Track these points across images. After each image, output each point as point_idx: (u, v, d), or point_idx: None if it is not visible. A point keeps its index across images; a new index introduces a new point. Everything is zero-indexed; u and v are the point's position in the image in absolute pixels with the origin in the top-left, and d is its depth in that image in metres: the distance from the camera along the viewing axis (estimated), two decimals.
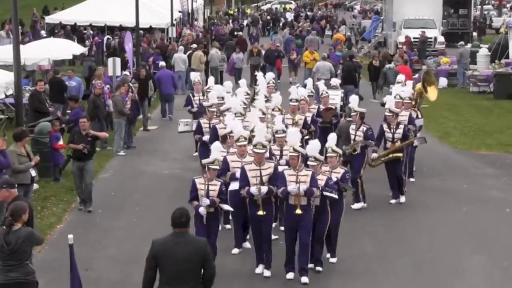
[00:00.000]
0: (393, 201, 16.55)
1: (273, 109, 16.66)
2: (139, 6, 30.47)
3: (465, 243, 14.31)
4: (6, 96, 19.62)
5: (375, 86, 29.23)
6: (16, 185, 11.03)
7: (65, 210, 16.05)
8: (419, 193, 17.41)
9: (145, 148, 22.06)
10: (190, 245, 8.40)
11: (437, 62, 34.83)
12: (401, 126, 16.41)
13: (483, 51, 34.62)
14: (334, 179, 12.53)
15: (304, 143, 14.07)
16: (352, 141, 15.91)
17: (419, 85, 18.99)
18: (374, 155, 16.44)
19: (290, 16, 67.15)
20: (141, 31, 34.97)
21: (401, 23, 43.27)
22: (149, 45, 36.67)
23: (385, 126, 16.51)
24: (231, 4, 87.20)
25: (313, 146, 12.33)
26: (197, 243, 8.51)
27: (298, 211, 11.85)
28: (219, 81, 29.79)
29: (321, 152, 12.59)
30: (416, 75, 27.82)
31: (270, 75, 20.49)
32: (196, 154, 20.23)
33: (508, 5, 73.40)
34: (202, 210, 12.06)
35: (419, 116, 18.14)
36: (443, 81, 33.14)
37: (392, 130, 16.40)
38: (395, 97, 17.28)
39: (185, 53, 32.88)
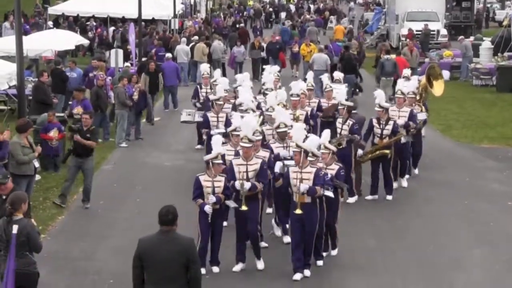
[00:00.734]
0: (369, 197, 16.22)
1: (277, 105, 16.39)
2: None
3: (467, 236, 14.32)
4: (9, 87, 19.61)
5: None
6: (9, 178, 11.06)
7: (67, 201, 16.05)
8: (421, 186, 17.41)
9: (147, 140, 22.07)
10: (174, 244, 8.21)
11: (440, 55, 34.77)
12: (391, 122, 16.10)
13: (486, 44, 34.55)
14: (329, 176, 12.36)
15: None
16: (338, 135, 15.53)
17: (423, 80, 18.73)
18: (360, 151, 16.13)
19: (293, 8, 67.03)
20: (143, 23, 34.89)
21: (403, 15, 43.18)
22: (152, 37, 36.64)
23: (374, 121, 16.20)
24: None
25: (311, 142, 12.17)
26: (182, 243, 8.29)
27: (298, 211, 11.69)
28: (222, 73, 29.91)
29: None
30: (419, 69, 27.83)
31: (275, 68, 20.31)
32: (199, 147, 20.27)
33: None
34: (208, 208, 11.88)
35: (423, 110, 17.98)
36: (445, 74, 33.01)
37: (381, 126, 16.10)
38: (396, 92, 17.20)
39: (187, 45, 32.88)
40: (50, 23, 41.74)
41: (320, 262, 12.48)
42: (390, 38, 44.87)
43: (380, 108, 16.07)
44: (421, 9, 43.03)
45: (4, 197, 10.55)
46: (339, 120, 15.94)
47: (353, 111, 16.88)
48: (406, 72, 19.64)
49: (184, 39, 33.69)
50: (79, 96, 19.53)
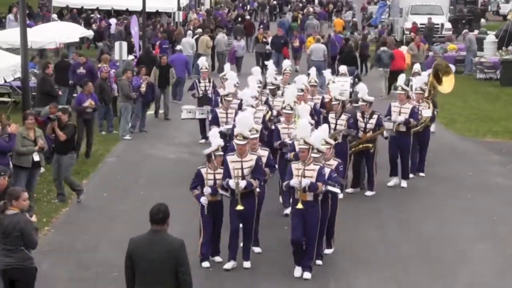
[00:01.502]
0: (350, 190, 16.07)
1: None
2: None
3: (470, 230, 14.32)
4: (13, 79, 19.62)
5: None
6: (2, 175, 11.02)
7: (71, 194, 16.06)
8: (424, 179, 17.41)
9: (151, 132, 22.08)
10: (163, 245, 8.04)
11: (444, 49, 34.72)
12: (375, 116, 15.96)
13: (490, 38, 34.50)
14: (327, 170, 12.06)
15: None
16: (332, 130, 15.24)
17: (431, 77, 18.34)
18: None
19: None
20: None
21: (408, 9, 43.09)
22: (156, 30, 36.63)
23: (358, 115, 16.06)
24: None
25: (316, 138, 12.04)
26: (172, 244, 8.08)
27: (299, 206, 11.55)
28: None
29: None
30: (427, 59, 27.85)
31: (287, 62, 20.08)
32: (203, 141, 20.21)
33: None
34: (204, 200, 11.99)
35: (431, 107, 17.61)
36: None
37: (365, 120, 15.98)
38: (396, 88, 17.07)
39: (192, 37, 32.89)
40: (54, 15, 41.74)
41: (319, 262, 12.27)
42: (394, 32, 44.79)
43: (364, 102, 15.86)
44: (425, 2, 42.94)
45: None
46: (332, 115, 15.68)
47: (355, 104, 16.88)
48: (417, 67, 19.41)
49: (189, 32, 33.68)
50: (90, 89, 19.51)
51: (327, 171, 11.96)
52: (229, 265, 12.09)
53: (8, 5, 43.90)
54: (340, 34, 37.11)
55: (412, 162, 17.15)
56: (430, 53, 31.17)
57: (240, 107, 16.09)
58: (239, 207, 11.82)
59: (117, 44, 26.57)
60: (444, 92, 18.53)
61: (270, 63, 19.49)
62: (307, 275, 11.76)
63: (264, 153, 12.69)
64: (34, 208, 14.49)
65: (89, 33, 32.93)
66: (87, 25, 39.08)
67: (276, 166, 13.67)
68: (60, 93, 21.65)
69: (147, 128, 22.26)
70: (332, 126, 15.53)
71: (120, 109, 21.64)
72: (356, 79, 28.43)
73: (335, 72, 28.85)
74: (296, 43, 34.11)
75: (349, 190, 16.13)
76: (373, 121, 15.95)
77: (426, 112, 17.33)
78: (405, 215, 15.15)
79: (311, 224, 11.69)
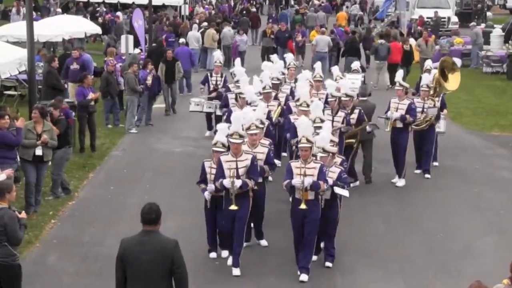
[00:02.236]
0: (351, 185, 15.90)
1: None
2: None
3: (477, 224, 14.31)
4: (19, 73, 19.63)
5: (405, 71, 28.83)
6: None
7: (77, 187, 16.11)
8: (431, 172, 17.35)
9: (157, 126, 22.09)
10: (156, 246, 7.82)
11: (451, 42, 34.62)
12: (356, 111, 15.67)
13: (497, 31, 34.41)
14: (330, 181, 11.67)
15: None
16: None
17: (437, 74, 17.84)
18: None
19: None
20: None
21: (414, 2, 43.04)
22: (162, 23, 36.62)
23: (328, 112, 15.44)
24: None
25: (323, 137, 11.83)
26: (165, 244, 7.87)
27: (303, 206, 11.29)
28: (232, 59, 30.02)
29: None
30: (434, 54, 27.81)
31: (290, 56, 19.93)
32: (208, 134, 20.20)
33: None
34: (207, 194, 12.03)
35: (436, 105, 17.11)
36: (456, 62, 32.91)
37: (333, 115, 15.30)
38: (395, 84, 16.83)
39: (198, 31, 32.85)
40: (58, 10, 41.76)
41: (329, 264, 12.03)
42: (400, 25, 44.68)
43: (333, 97, 15.46)
44: None
45: None
46: (328, 111, 15.17)
47: (362, 98, 16.81)
48: (429, 63, 19.16)
49: (195, 26, 33.63)
50: (90, 81, 19.55)
51: (336, 171, 11.78)
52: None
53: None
54: (340, 27, 37.30)
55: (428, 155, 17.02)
56: (437, 47, 31.10)
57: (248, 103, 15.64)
58: (233, 207, 11.45)
59: (123, 37, 26.57)
60: (450, 90, 18.08)
61: (275, 57, 19.40)
62: (304, 277, 11.47)
63: (263, 149, 12.44)
64: (41, 202, 14.59)
65: (96, 30, 32.82)
66: (93, 19, 39.07)
67: (279, 163, 13.48)
68: (66, 86, 21.67)
69: (153, 121, 22.26)
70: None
71: (127, 102, 21.65)
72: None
73: (337, 63, 29.67)
74: (299, 38, 33.90)
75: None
76: (354, 116, 15.58)
77: (432, 110, 16.93)
78: (410, 208, 15.14)
79: (311, 223, 11.42)
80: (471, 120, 23.22)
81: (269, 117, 15.10)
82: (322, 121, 13.24)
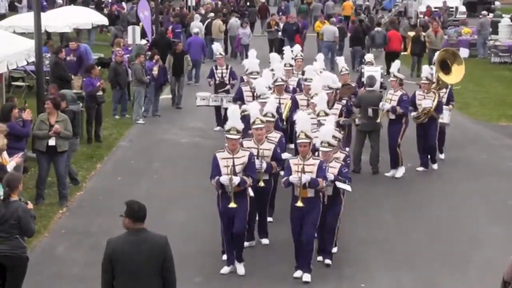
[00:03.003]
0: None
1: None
2: None
3: (484, 214, 14.31)
4: (27, 64, 19.67)
5: (415, 61, 28.86)
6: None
7: (85, 178, 16.17)
8: (438, 163, 17.35)
9: (165, 117, 22.13)
10: (150, 243, 7.66)
11: (458, 32, 34.55)
12: (342, 102, 15.59)
13: (505, 21, 34.29)
14: (331, 176, 11.31)
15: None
16: None
17: (436, 67, 17.24)
18: None
19: None
20: None
21: None
22: (168, 14, 36.60)
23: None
24: None
25: (326, 131, 11.42)
26: (157, 240, 7.71)
27: (299, 204, 10.89)
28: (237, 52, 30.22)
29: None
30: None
31: (297, 48, 19.74)
32: (218, 128, 20.08)
33: None
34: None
35: (436, 98, 16.60)
36: (464, 52, 32.90)
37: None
38: (383, 74, 16.66)
39: (203, 21, 32.82)
40: (60, 1, 41.73)
41: (328, 261, 11.73)
42: (408, 15, 44.60)
43: (330, 89, 15.16)
44: None
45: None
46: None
47: (369, 89, 16.78)
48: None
49: (197, 16, 33.57)
50: (97, 72, 19.60)
51: (337, 166, 11.40)
52: (225, 269, 11.43)
53: None
54: (340, 15, 38.43)
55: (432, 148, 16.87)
56: (445, 37, 31.06)
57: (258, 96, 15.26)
58: (232, 205, 11.03)
59: (130, 28, 26.57)
60: (451, 83, 17.43)
61: (287, 49, 19.25)
62: (307, 276, 11.16)
63: (270, 146, 12.06)
64: (67, 197, 14.61)
65: (103, 21, 32.79)
66: (99, 9, 39.05)
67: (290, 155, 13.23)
68: (73, 77, 21.69)
69: (160, 112, 22.30)
70: None
71: (134, 93, 21.69)
72: (364, 60, 28.82)
73: (341, 50, 30.68)
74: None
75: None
76: (338, 106, 15.30)
77: (426, 102, 16.59)
78: (418, 199, 15.15)
79: (311, 222, 11.04)
80: (478, 111, 23.18)
81: (278, 112, 14.87)
82: (326, 114, 13.00)
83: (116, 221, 13.45)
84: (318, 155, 11.48)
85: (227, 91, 20.08)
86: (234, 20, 33.98)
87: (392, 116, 16.30)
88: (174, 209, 14.19)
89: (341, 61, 18.06)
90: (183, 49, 24.16)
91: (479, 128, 21.22)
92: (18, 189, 9.59)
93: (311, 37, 34.22)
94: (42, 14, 18.94)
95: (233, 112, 11.43)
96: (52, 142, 14.14)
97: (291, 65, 18.14)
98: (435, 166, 17.04)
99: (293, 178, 10.89)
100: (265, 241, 12.58)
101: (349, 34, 32.34)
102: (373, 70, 17.79)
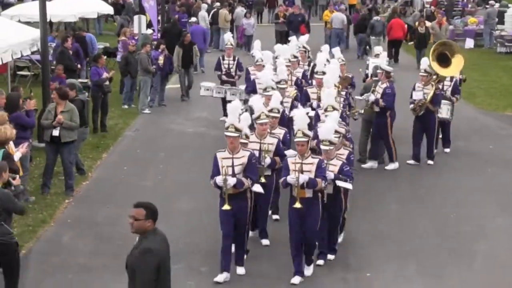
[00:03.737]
0: None
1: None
2: None
3: (490, 205, 14.28)
4: (32, 53, 19.67)
5: (418, 54, 28.43)
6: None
7: (91, 167, 16.18)
8: (444, 154, 17.33)
9: (171, 106, 22.12)
10: (166, 238, 7.56)
11: (464, 22, 34.45)
12: (343, 93, 15.20)
13: (511, 11, 34.18)
14: (331, 174, 10.96)
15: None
16: None
17: (431, 60, 16.72)
18: None
19: None
20: None
21: None
22: (174, 3, 36.54)
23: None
24: None
25: (326, 129, 10.99)
26: (164, 234, 7.58)
27: (297, 205, 10.45)
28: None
29: None
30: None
31: (303, 38, 19.58)
32: (223, 118, 19.98)
33: None
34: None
35: (433, 91, 16.26)
36: (470, 42, 32.83)
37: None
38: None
39: (209, 11, 32.75)
40: None
41: (331, 256, 11.53)
42: (414, 5, 44.45)
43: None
44: None
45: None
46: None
47: (375, 78, 16.72)
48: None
49: (204, 5, 33.48)
50: (103, 61, 19.62)
51: (337, 163, 11.03)
52: (220, 277, 10.79)
53: None
54: (343, 4, 38.76)
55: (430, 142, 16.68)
56: (451, 27, 30.96)
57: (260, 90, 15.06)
58: (226, 207, 10.58)
59: (136, 17, 26.55)
60: (448, 75, 16.97)
61: (293, 39, 19.19)
62: (307, 271, 10.93)
63: (273, 140, 11.84)
64: (74, 187, 14.59)
65: (108, 10, 32.75)
66: None
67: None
68: (79, 66, 21.71)
69: (166, 102, 22.29)
70: None
71: (140, 83, 21.68)
72: (368, 47, 29.15)
73: (347, 38, 31.53)
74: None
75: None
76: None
77: (417, 94, 16.35)
78: (424, 189, 15.13)
79: (310, 223, 10.65)
80: (484, 101, 23.13)
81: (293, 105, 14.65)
82: (334, 109, 12.62)
83: (122, 211, 13.56)
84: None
85: (233, 83, 19.96)
86: (240, 10, 33.90)
87: (376, 109, 16.00)
88: (179, 198, 14.19)
89: (337, 52, 17.75)
90: (191, 40, 23.83)
91: (485, 118, 21.17)
92: (2, 177, 9.59)
93: (315, 27, 33.99)
94: (47, 3, 18.92)
95: (233, 108, 11.09)
96: (55, 132, 14.09)
97: (295, 57, 18.00)
98: (430, 162, 16.65)
99: (291, 178, 10.47)
100: (265, 241, 12.23)
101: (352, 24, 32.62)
102: (378, 61, 17.69)
